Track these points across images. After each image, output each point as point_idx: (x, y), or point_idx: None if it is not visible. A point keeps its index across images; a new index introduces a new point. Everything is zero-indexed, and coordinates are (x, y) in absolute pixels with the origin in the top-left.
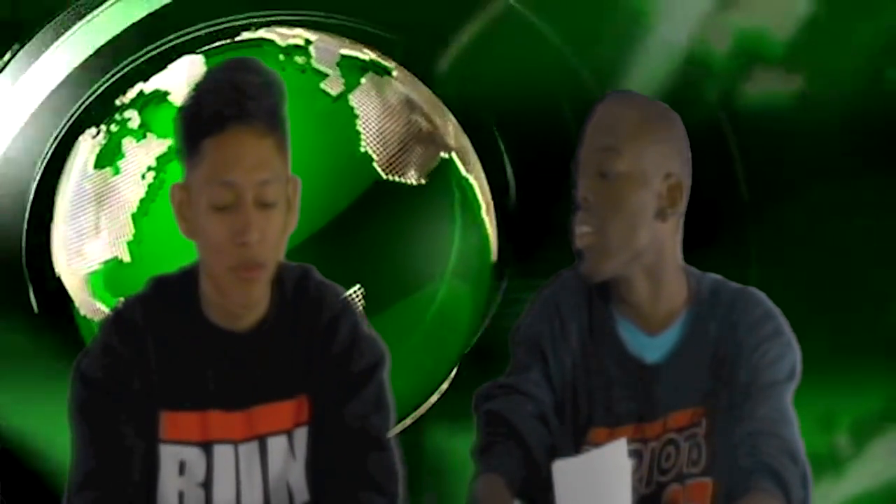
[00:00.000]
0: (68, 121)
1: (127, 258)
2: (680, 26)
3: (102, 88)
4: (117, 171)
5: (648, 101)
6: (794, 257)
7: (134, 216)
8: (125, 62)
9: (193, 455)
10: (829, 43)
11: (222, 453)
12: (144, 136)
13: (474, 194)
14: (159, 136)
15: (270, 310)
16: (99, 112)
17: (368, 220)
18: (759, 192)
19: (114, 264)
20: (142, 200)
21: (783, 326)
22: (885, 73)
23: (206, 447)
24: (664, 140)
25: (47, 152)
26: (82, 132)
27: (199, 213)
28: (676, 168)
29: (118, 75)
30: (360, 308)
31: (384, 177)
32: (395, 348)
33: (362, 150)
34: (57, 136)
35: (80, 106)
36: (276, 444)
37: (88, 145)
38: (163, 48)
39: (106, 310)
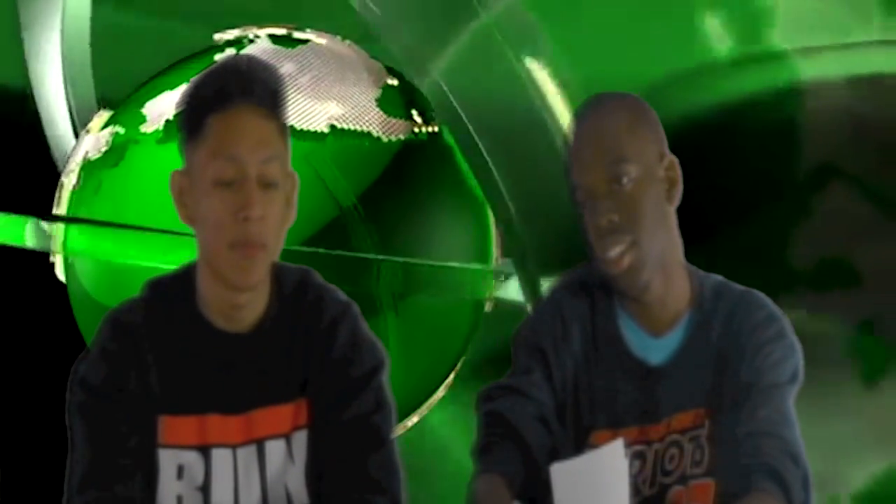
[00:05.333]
0: None
1: None
2: None
3: None
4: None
5: (619, 96)
6: None
7: None
8: None
9: (191, 459)
10: None
11: (220, 457)
12: None
13: None
14: None
15: (268, 310)
16: None
17: None
18: None
19: None
20: None
21: (786, 329)
22: None
23: (205, 451)
24: (650, 128)
25: None
26: None
27: (200, 194)
28: (664, 147)
29: None
30: (359, 311)
31: None
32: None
33: None
34: None
35: None
36: (274, 448)
37: None
38: None
39: None
